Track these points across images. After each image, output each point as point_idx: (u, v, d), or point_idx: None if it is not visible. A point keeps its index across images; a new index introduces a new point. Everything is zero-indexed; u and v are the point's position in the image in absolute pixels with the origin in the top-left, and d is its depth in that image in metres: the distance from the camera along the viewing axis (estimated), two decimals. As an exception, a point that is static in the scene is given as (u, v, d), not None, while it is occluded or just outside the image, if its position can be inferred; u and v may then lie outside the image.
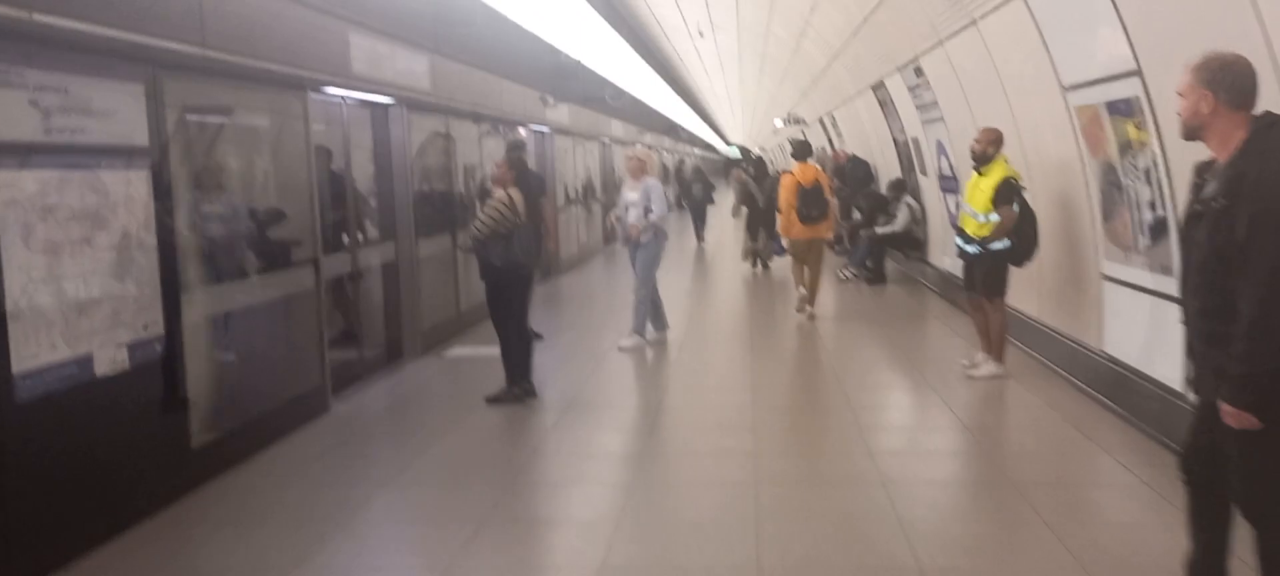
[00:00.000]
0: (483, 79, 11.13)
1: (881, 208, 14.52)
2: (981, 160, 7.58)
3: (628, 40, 16.98)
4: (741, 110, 41.12)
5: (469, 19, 9.96)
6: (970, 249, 7.67)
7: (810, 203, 10.61)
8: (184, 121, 5.61)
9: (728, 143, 61.95)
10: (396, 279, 9.01)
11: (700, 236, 22.01)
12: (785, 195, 10.74)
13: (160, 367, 5.20)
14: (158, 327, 5.16)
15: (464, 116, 10.69)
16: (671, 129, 34.93)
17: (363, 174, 8.76)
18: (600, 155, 20.45)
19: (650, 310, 9.44)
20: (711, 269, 17.96)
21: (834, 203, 11.01)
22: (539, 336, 9.73)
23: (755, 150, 53.68)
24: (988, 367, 7.68)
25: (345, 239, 8.02)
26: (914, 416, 7.03)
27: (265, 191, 6.58)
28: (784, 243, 11.17)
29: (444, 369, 8.81)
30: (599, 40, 15.10)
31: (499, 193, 7.12)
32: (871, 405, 7.21)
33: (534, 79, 13.68)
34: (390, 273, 8.98)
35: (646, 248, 9.25)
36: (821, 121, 23.40)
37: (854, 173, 17.43)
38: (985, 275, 7.60)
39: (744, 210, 17.15)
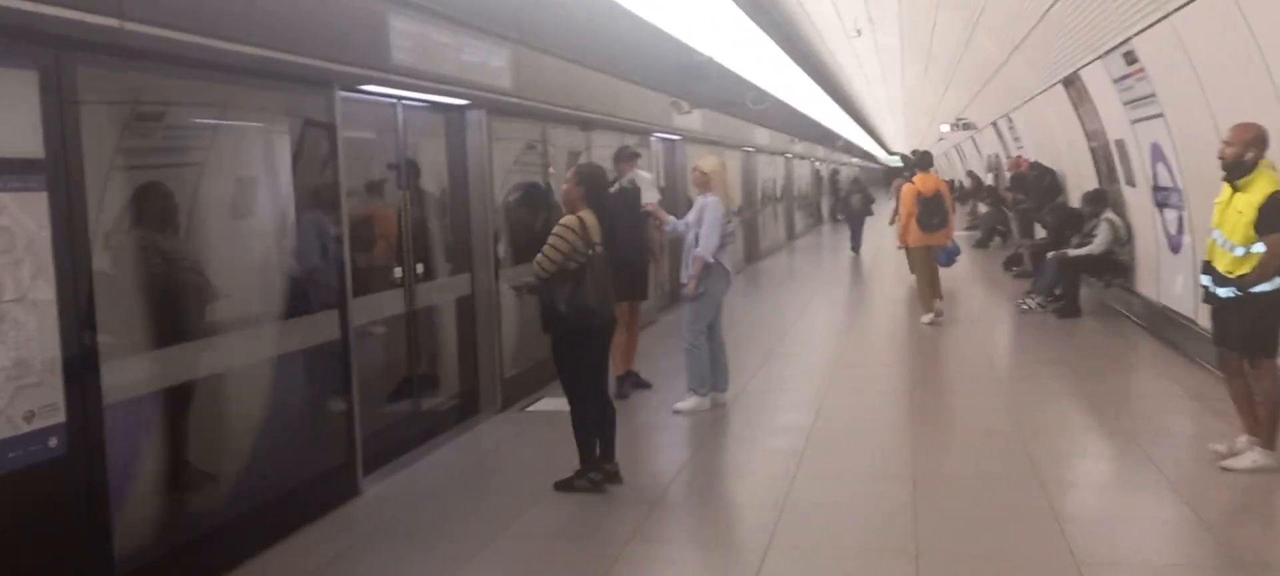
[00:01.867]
0: (589, 77, 9.47)
1: (1074, 225, 12.18)
2: (1236, 169, 5.43)
3: (774, 38, 15.11)
4: (903, 116, 38.47)
5: (559, 1, 8.30)
6: (1222, 292, 5.52)
7: (931, 211, 10.98)
8: (117, 126, 4.13)
9: (889, 151, 58.90)
10: (472, 318, 7.42)
11: (856, 248, 20.40)
12: (906, 204, 11.12)
13: (60, 468, 3.68)
14: (56, 414, 3.65)
15: (567, 123, 9.07)
16: (827, 137, 32.70)
17: (428, 192, 7.21)
18: (742, 166, 18.60)
19: (708, 364, 7.42)
20: (867, 286, 15.89)
21: (953, 212, 11.34)
22: (646, 384, 8.08)
23: (918, 159, 50.81)
24: (1252, 456, 5.50)
25: (398, 273, 6.46)
26: (1159, 545, 4.83)
27: (266, 218, 5.07)
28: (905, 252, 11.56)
29: (523, 429, 7.17)
30: (738, 37, 13.31)
31: (567, 216, 5.43)
32: (1091, 519, 5.09)
33: (658, 79, 11.97)
34: (464, 310, 7.40)
35: (700, 294, 7.27)
36: (995, 125, 20.99)
37: (1037, 183, 15.12)
38: (1247, 328, 5.44)
39: None
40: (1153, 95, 8.81)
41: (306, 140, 5.32)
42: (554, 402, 7.69)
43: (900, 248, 11.77)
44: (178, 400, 4.36)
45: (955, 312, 12.23)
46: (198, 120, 4.68)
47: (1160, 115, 8.78)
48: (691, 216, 7.32)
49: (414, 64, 6.03)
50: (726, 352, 7.61)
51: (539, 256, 5.40)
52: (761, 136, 20.17)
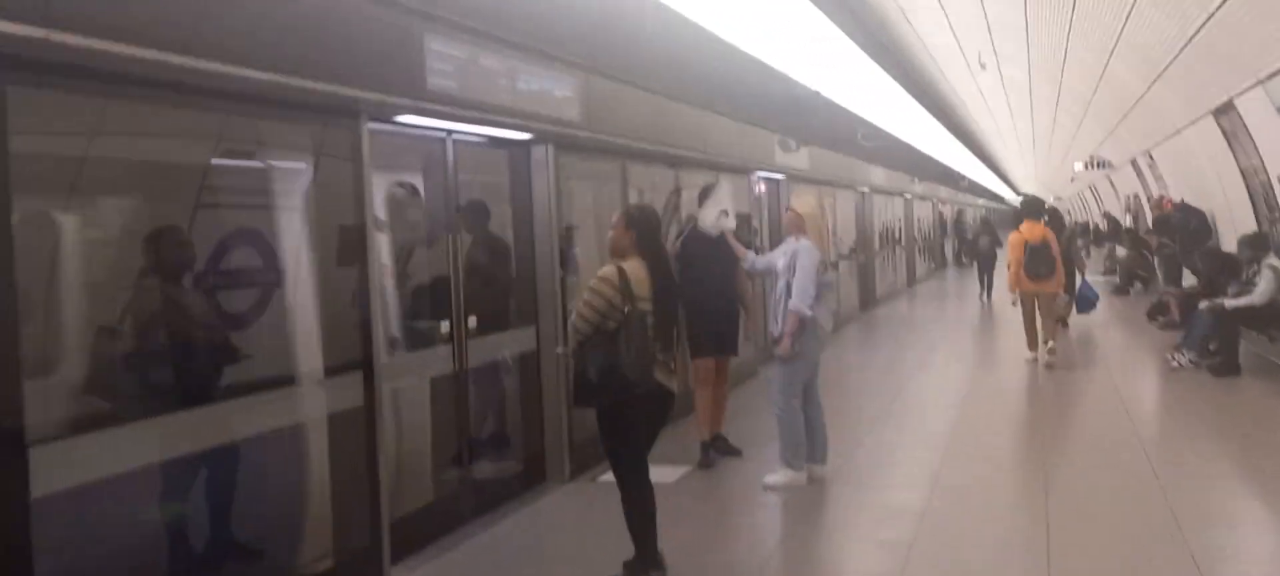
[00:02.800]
0: (675, 110, 8.67)
1: (1230, 271, 10.81)
2: None
3: (889, 72, 14.10)
4: (1032, 154, 36.66)
5: (635, 28, 7.52)
6: None
7: (1037, 260, 11.01)
8: (67, 158, 3.50)
9: (1017, 192, 56.61)
10: (537, 375, 6.67)
11: (986, 292, 19.15)
12: (1013, 252, 11.28)
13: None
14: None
15: (651, 160, 8.30)
16: (949, 177, 31.20)
17: (487, 237, 6.51)
18: (857, 207, 17.54)
19: (803, 432, 6.47)
20: (995, 336, 14.55)
21: (1060, 261, 11.26)
22: (736, 451, 7.21)
23: (1048, 199, 48.83)
24: None
25: (445, 327, 5.72)
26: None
27: (271, 268, 4.40)
28: (1012, 297, 11.53)
29: (590, 503, 6.32)
30: (848, 70, 12.37)
31: (605, 267, 4.61)
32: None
33: (758, 114, 11.10)
34: (528, 368, 6.65)
35: (794, 355, 6.37)
36: (1134, 163, 19.45)
37: (1184, 226, 13.69)
38: None
39: None
40: (1330, 122, 7.58)
41: (323, 177, 4.65)
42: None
43: (1013, 300, 11.49)
44: (142, 486, 3.69)
45: (1094, 367, 11.04)
46: (183, 156, 4.04)
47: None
48: (782, 263, 6.45)
49: (460, 92, 5.33)
50: (825, 417, 6.67)
51: (572, 316, 4.59)
52: (877, 176, 19.07)
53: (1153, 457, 7.08)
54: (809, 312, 6.27)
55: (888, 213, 21.03)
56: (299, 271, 4.49)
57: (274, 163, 4.51)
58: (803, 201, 6.64)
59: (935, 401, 9.61)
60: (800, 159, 12.92)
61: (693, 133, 9.04)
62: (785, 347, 6.34)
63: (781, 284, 6.42)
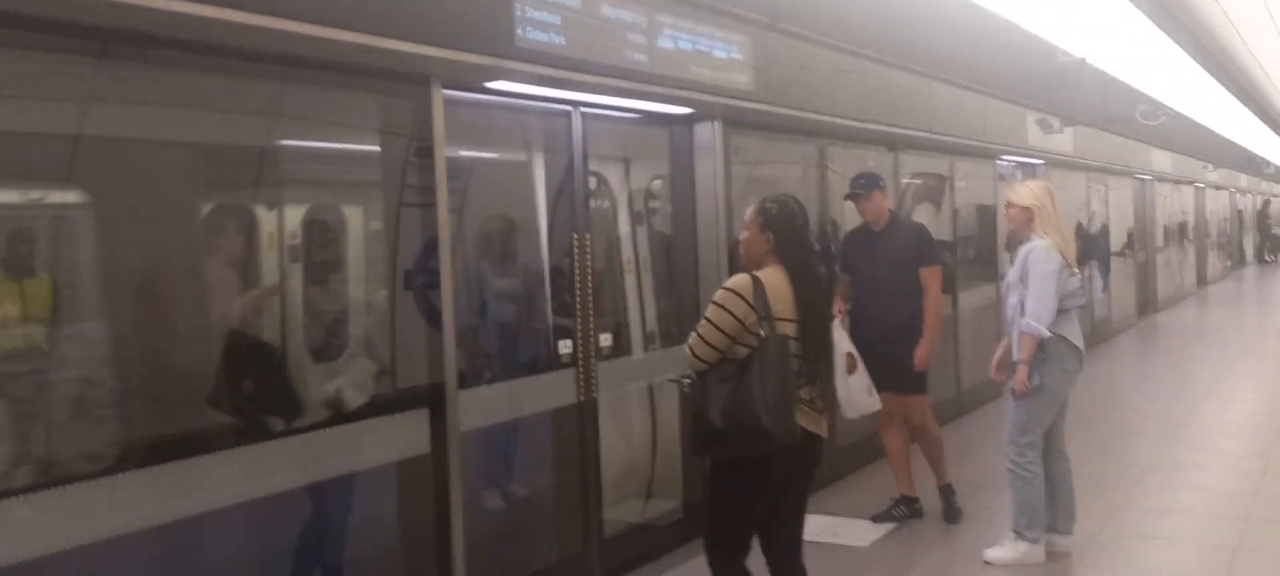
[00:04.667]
0: (892, 79, 7.17)
1: None
2: None
3: (1176, 38, 11.84)
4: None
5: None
6: None
7: None
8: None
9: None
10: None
11: None
12: None
13: None
14: None
15: (859, 141, 6.88)
16: (1251, 163, 27.20)
17: (628, 232, 5.38)
18: (1135, 197, 15.15)
19: (1042, 493, 4.88)
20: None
21: None
22: (955, 512, 5.70)
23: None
24: None
25: (569, 347, 4.61)
26: None
27: (291, 277, 3.44)
28: None
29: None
30: (1123, 36, 10.37)
31: (736, 278, 3.42)
32: None
33: (1005, 85, 9.32)
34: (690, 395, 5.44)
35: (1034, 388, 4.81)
36: None
37: None
38: None
39: None
40: None
41: (380, 157, 3.66)
42: (820, 524, 5.47)
43: None
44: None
45: None
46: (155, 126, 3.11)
47: None
48: (1012, 273, 4.92)
49: (570, 51, 4.15)
50: (1072, 473, 5.06)
51: (691, 338, 3.40)
52: (1161, 161, 16.47)
53: None
54: (1047, 333, 4.72)
55: (1174, 203, 18.28)
56: (332, 280, 3.50)
57: (306, 138, 3.55)
58: (1024, 191, 5.00)
59: (1230, 445, 7.56)
60: (1063, 141, 10.97)
61: (917, 108, 7.50)
62: (1022, 381, 4.80)
63: (1014, 299, 4.89)
